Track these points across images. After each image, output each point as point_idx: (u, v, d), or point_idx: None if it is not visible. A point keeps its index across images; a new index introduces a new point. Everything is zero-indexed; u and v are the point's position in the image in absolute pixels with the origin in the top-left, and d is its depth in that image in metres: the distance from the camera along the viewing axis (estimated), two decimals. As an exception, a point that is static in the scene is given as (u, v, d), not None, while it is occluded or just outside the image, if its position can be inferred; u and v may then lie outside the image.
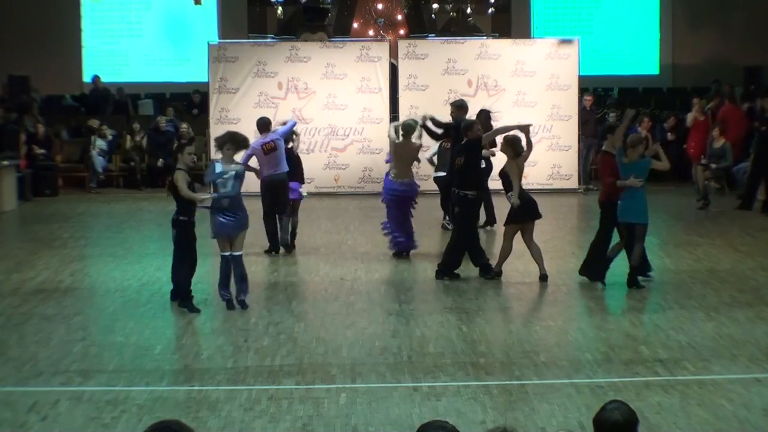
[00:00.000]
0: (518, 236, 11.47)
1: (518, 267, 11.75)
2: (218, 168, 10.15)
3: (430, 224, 14.90)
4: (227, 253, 10.17)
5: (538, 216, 11.48)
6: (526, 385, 7.80)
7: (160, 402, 7.51)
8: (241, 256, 10.24)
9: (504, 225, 11.60)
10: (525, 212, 11.36)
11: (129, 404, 7.44)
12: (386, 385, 7.86)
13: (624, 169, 10.83)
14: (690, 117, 18.29)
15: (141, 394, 7.64)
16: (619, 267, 11.28)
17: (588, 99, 19.78)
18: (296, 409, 7.32)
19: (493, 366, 8.31)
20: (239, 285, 10.23)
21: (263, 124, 12.89)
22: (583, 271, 11.37)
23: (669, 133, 20.07)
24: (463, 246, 11.65)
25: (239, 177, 10.17)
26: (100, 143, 20.35)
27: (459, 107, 13.90)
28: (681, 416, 7.10)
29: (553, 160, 19.17)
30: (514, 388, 7.75)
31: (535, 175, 19.02)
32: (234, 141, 10.41)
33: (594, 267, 11.25)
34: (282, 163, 12.76)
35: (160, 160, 19.89)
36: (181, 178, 9.94)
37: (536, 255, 11.43)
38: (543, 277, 11.35)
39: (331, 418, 7.14)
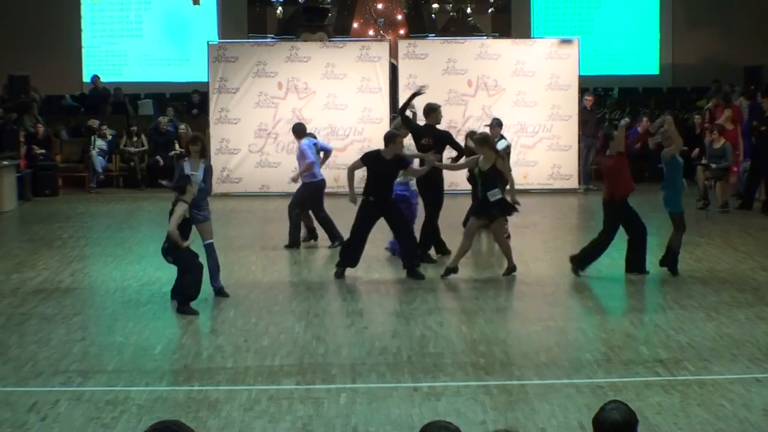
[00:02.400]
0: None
1: (518, 267, 11.73)
2: (186, 168, 10.50)
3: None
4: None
5: (511, 212, 11.72)
6: (526, 385, 7.79)
7: (160, 402, 7.50)
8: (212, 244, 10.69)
9: (474, 216, 11.71)
10: (501, 209, 11.51)
11: (129, 404, 7.43)
12: (386, 385, 7.86)
13: (674, 167, 11.39)
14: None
15: (141, 394, 7.64)
16: (622, 264, 11.29)
17: (588, 99, 19.77)
18: (296, 409, 7.32)
19: (493, 366, 8.30)
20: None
21: (302, 129, 13.70)
22: (575, 264, 11.49)
23: None
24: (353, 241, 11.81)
25: (208, 171, 10.71)
26: (100, 143, 20.36)
27: (433, 110, 12.82)
28: (681, 416, 7.10)
29: (553, 160, 19.17)
30: (514, 388, 7.75)
31: (535, 175, 19.05)
32: (201, 141, 10.98)
33: (586, 260, 11.44)
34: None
35: (158, 158, 20.01)
36: (179, 210, 9.95)
37: (505, 249, 11.59)
38: (512, 269, 11.47)
39: (331, 418, 7.14)
